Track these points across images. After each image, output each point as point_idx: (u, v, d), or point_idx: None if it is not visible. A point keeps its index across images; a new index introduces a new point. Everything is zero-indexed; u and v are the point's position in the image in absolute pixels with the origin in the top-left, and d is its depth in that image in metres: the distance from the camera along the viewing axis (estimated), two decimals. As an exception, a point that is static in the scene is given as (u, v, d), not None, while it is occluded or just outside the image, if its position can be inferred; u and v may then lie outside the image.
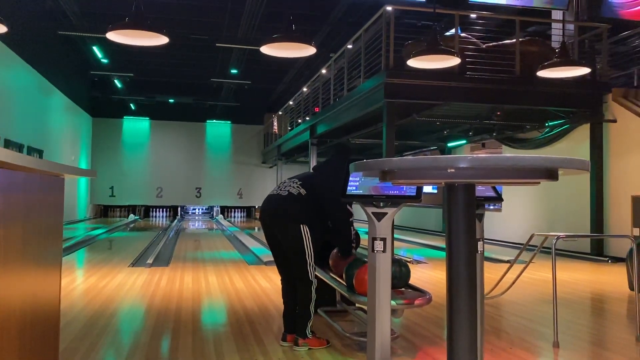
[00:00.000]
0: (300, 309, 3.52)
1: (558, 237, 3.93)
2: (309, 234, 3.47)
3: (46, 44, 15.04)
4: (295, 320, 3.55)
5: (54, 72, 15.90)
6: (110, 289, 5.73)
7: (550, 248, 3.90)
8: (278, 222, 3.57)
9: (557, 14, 10.40)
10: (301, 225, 3.45)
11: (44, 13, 13.54)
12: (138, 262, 7.93)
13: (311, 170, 4.13)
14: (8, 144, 11.96)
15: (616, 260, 8.33)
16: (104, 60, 18.06)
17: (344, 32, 13.32)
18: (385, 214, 2.80)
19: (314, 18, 13.37)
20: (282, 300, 3.76)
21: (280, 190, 3.63)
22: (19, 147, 12.72)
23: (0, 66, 11.95)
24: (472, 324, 1.82)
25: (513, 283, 4.78)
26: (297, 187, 3.58)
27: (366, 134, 11.74)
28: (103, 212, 22.56)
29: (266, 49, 6.27)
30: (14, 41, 11.86)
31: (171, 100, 22.46)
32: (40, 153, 14.32)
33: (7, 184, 1.88)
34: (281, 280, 3.77)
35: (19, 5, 11.77)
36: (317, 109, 13.80)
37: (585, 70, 7.58)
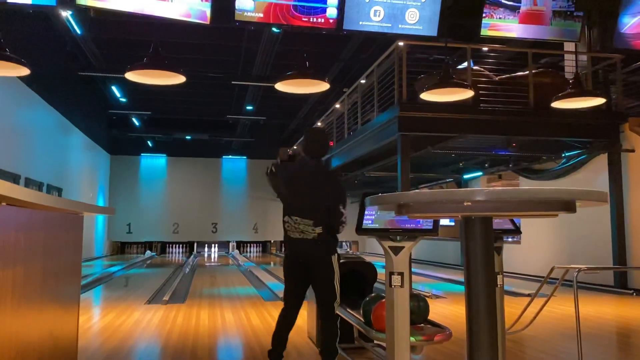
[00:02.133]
0: (328, 345, 3.48)
1: (579, 270, 3.85)
2: (337, 262, 3.53)
3: (66, 84, 15.46)
4: (323, 357, 3.48)
5: (74, 112, 16.28)
6: (127, 326, 5.71)
7: (571, 281, 3.82)
8: (316, 264, 3.53)
9: (569, 46, 10.43)
10: (332, 257, 3.53)
11: (65, 55, 13.95)
12: (154, 299, 7.91)
13: (305, 171, 3.83)
14: (28, 182, 12.18)
15: (641, 292, 8.12)
16: (123, 100, 18.45)
17: (357, 67, 13.50)
18: (402, 247, 2.77)
19: (327, 55, 13.59)
20: (287, 336, 3.66)
21: (304, 233, 3.49)
22: (38, 186, 12.93)
23: (22, 107, 12.29)
24: (494, 360, 1.78)
25: (534, 317, 4.66)
26: (313, 229, 3.46)
27: (381, 167, 11.76)
28: (120, 248, 22.69)
29: (281, 86, 6.36)
30: (35, 82, 12.22)
31: (188, 137, 22.78)
32: (59, 191, 14.54)
33: (28, 223, 1.91)
34: (285, 316, 3.65)
35: (41, 47, 12.15)
36: (331, 143, 13.89)
37: (600, 101, 7.55)
